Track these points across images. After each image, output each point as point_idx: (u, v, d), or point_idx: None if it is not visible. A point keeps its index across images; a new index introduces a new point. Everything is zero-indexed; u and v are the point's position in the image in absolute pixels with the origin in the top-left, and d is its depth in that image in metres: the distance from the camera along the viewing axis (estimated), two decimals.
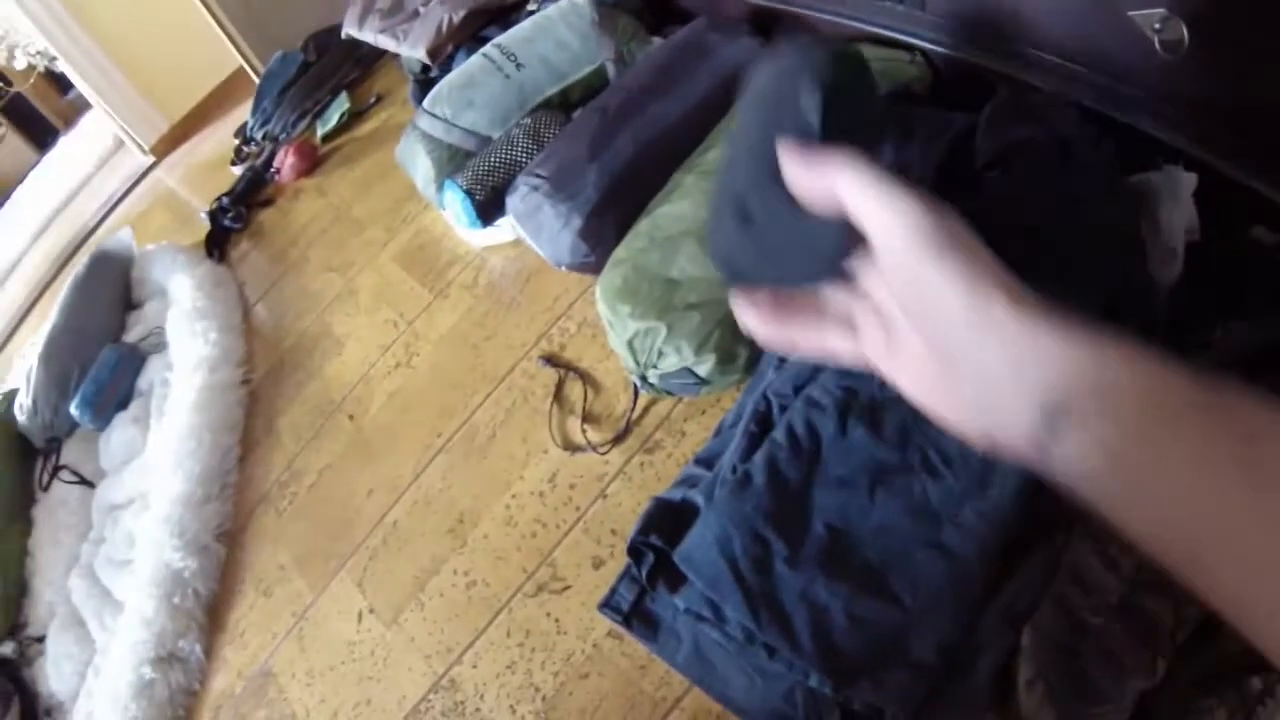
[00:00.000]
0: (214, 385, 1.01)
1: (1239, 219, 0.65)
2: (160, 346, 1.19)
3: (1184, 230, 0.68)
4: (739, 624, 0.51)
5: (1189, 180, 0.68)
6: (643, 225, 0.69)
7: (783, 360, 0.59)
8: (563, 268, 0.74)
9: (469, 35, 1.11)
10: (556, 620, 0.63)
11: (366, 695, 0.69)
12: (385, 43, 1.19)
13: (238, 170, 1.30)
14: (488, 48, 0.98)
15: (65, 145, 2.16)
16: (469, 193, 0.84)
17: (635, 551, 0.57)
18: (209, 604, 0.86)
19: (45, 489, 1.20)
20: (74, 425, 1.19)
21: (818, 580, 0.50)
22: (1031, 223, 0.60)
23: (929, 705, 0.49)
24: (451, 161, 0.93)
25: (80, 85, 1.66)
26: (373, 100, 1.28)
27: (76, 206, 1.77)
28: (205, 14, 1.50)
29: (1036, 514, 0.54)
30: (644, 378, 0.64)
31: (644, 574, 0.56)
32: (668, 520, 0.57)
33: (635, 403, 0.66)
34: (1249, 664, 0.54)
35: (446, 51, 1.11)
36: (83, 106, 2.15)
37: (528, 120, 0.89)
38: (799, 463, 0.53)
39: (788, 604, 0.50)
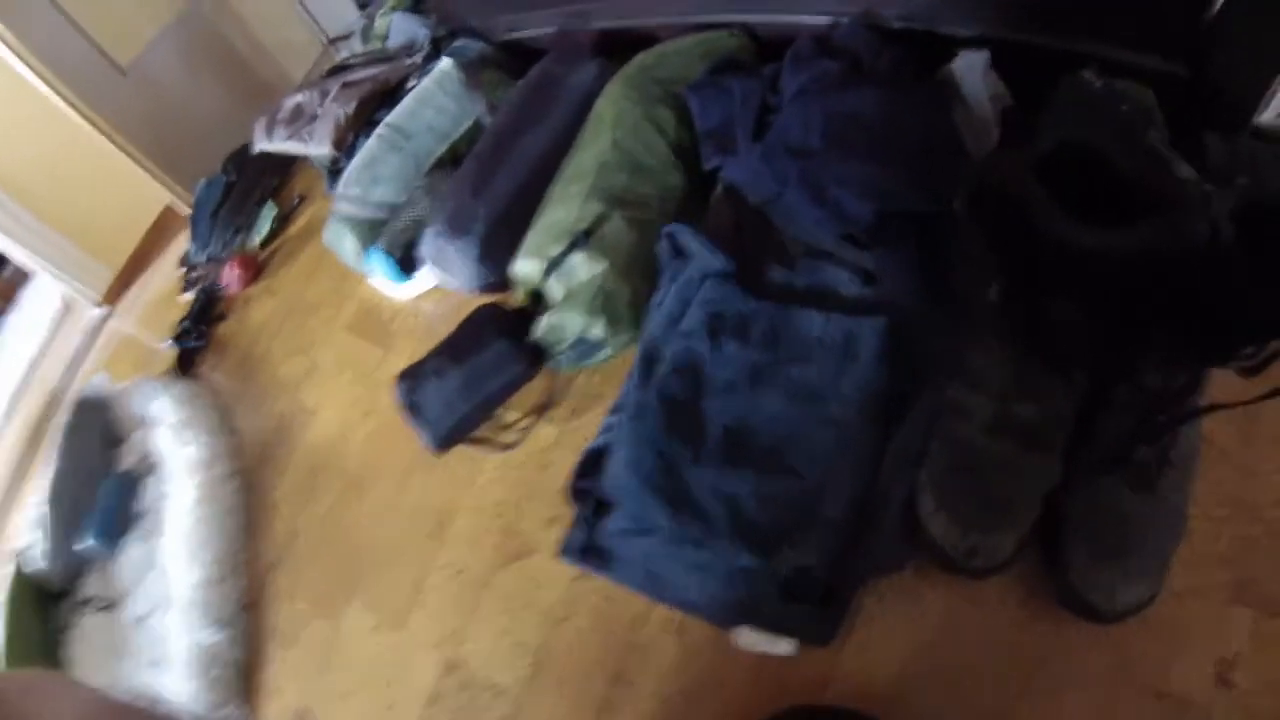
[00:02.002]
0: (210, 481, 1.15)
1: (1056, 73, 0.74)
2: (152, 468, 1.32)
3: (991, 99, 0.82)
4: (665, 527, 0.64)
5: (980, 57, 0.82)
6: (531, 236, 0.84)
7: (657, 306, 0.74)
8: (476, 292, 0.89)
9: (364, 121, 1.28)
10: (532, 579, 0.76)
11: (391, 699, 0.81)
12: (294, 148, 1.36)
13: (188, 297, 1.46)
14: (379, 128, 1.14)
15: (12, 321, 2.26)
16: (388, 254, 0.99)
17: (577, 496, 0.71)
18: (244, 670, 0.97)
19: (74, 626, 1.31)
20: (87, 560, 1.31)
21: (723, 473, 0.63)
22: (834, 129, 0.72)
23: (851, 554, 0.60)
24: (371, 233, 1.09)
25: (21, 257, 1.80)
26: (296, 201, 1.44)
27: (42, 374, 1.90)
28: (126, 160, 1.67)
29: (906, 366, 0.65)
30: (559, 354, 0.79)
31: (589, 513, 0.69)
32: (595, 464, 0.70)
33: (553, 381, 0.80)
34: (1138, 436, 0.62)
35: (348, 141, 1.28)
36: (19, 281, 2.27)
37: (425, 181, 1.05)
38: (684, 383, 0.67)
39: (702, 499, 0.62)
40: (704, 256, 0.71)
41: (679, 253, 0.75)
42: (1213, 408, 0.63)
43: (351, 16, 1.92)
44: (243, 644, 1.02)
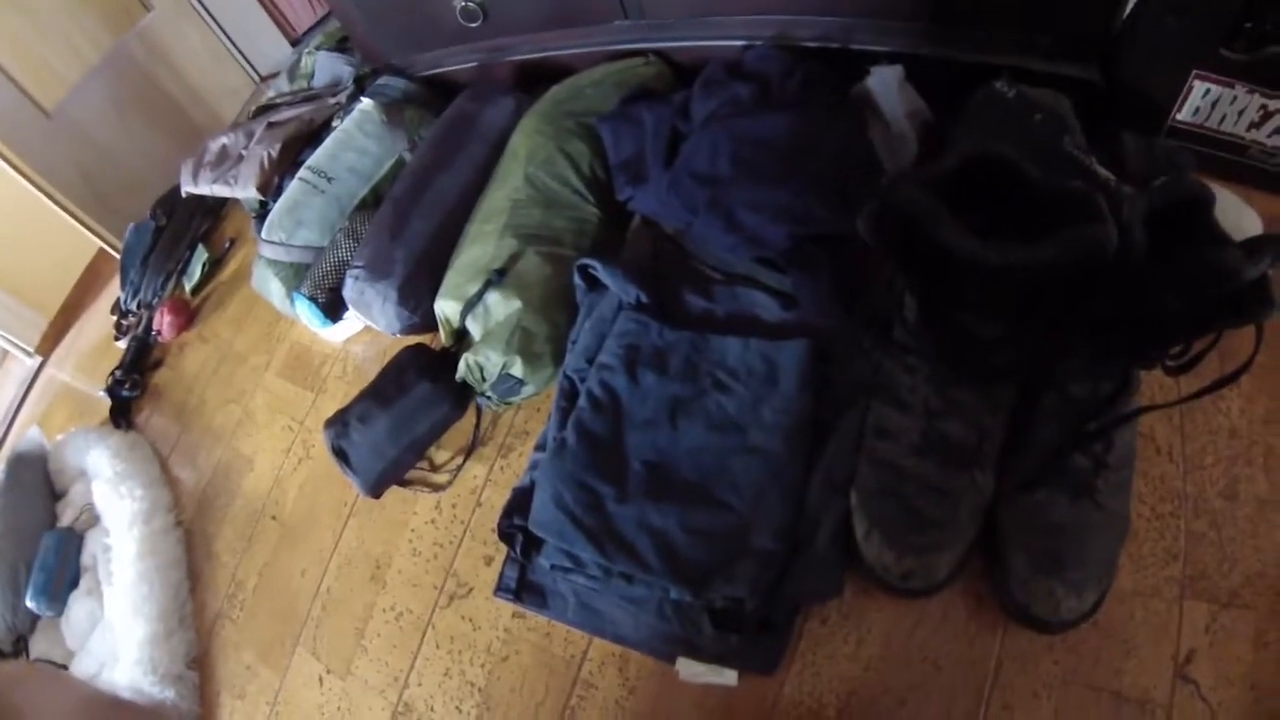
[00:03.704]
0: (151, 534, 1.10)
1: (974, 84, 0.75)
2: (93, 521, 1.26)
3: (908, 115, 0.80)
4: (593, 562, 0.62)
5: (894, 72, 0.81)
6: (449, 276, 0.82)
7: (574, 342, 0.72)
8: (398, 334, 0.86)
9: (290, 162, 1.24)
10: (470, 620, 0.74)
11: None
12: (221, 191, 1.31)
13: (122, 344, 1.39)
14: (301, 171, 1.11)
15: None
16: (312, 299, 0.95)
17: (506, 536, 0.69)
18: None
19: None
20: (35, 618, 1.24)
21: (648, 508, 0.61)
22: (743, 155, 0.70)
23: (782, 584, 0.59)
24: (297, 277, 1.05)
25: None
26: (228, 245, 1.39)
27: None
28: (54, 207, 1.59)
29: (829, 391, 0.64)
30: (483, 393, 0.76)
31: (518, 551, 0.68)
32: (523, 502, 0.69)
33: (479, 420, 0.78)
34: (1069, 445, 0.61)
35: (274, 183, 1.23)
36: None
37: (346, 224, 1.02)
38: (603, 417, 0.65)
39: (628, 534, 0.61)
40: (618, 288, 0.70)
41: (594, 285, 0.73)
42: (1143, 410, 0.62)
43: (283, 54, 1.86)
44: (192, 699, 0.97)
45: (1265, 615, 0.66)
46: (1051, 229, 0.52)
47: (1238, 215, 0.83)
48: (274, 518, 0.98)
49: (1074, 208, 0.56)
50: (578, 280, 0.74)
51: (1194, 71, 0.81)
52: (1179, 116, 0.86)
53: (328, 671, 0.84)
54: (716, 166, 0.69)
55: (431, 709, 0.75)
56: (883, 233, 0.54)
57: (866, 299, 0.66)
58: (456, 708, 0.73)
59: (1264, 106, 0.83)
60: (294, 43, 1.91)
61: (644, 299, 0.69)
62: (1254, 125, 0.84)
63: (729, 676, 0.61)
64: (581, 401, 0.67)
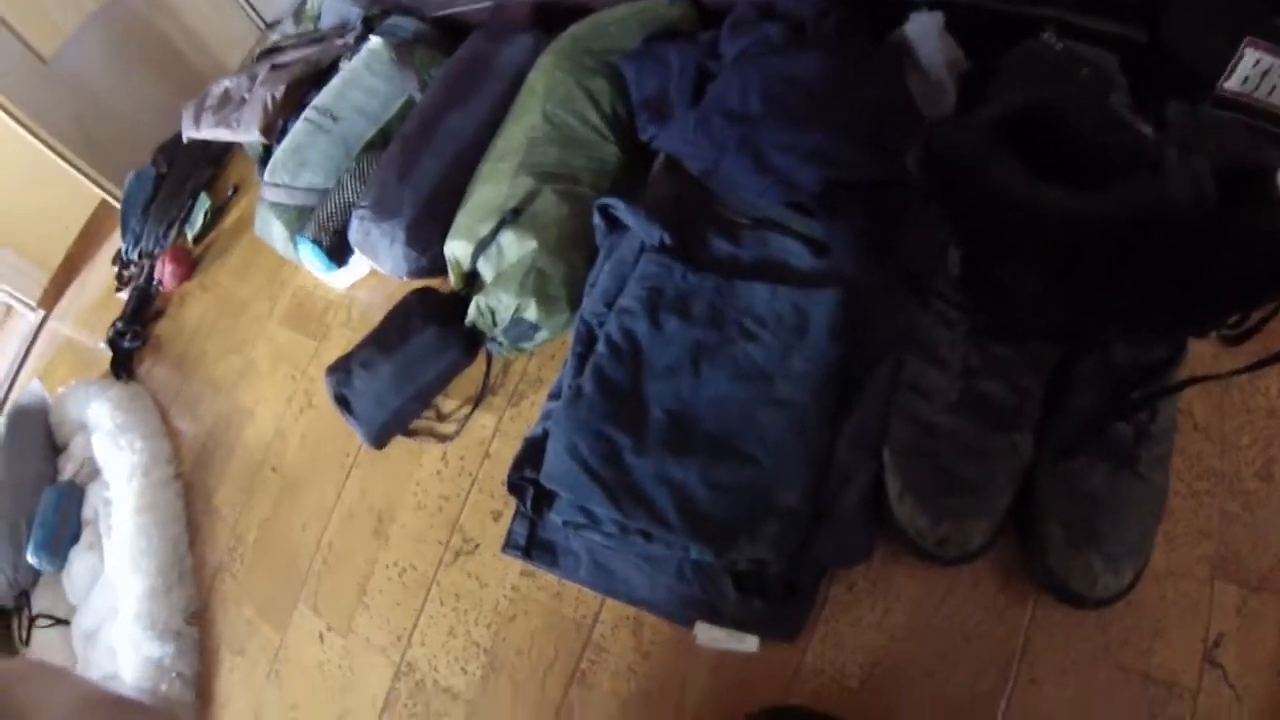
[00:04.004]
0: (150, 486, 1.07)
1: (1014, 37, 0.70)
2: (94, 474, 1.23)
3: (947, 64, 0.75)
4: (609, 518, 0.58)
5: (934, 19, 0.76)
6: (460, 217, 0.77)
7: (592, 285, 0.67)
8: (405, 278, 0.81)
9: (294, 105, 1.19)
10: (477, 578, 0.71)
11: (344, 708, 0.76)
12: (223, 135, 1.26)
13: (124, 295, 1.35)
14: (306, 111, 1.06)
15: None
16: (316, 241, 0.91)
17: (516, 489, 0.65)
18: (194, 683, 0.90)
19: (26, 643, 1.23)
20: (36, 574, 1.22)
21: (668, 460, 0.57)
22: (775, 93, 0.66)
23: (808, 546, 0.54)
24: (300, 220, 1.01)
25: None
26: (230, 192, 1.34)
27: None
28: (54, 158, 1.55)
29: (861, 342, 0.59)
30: (494, 339, 0.72)
31: (529, 506, 0.64)
32: (535, 454, 0.65)
33: (490, 367, 0.74)
34: (1112, 412, 0.58)
35: (279, 126, 1.18)
36: None
37: (353, 165, 0.97)
38: (623, 364, 0.61)
39: (647, 488, 0.57)
40: (640, 229, 0.65)
41: (614, 227, 0.68)
42: (1193, 381, 0.59)
43: (288, 1, 1.79)
44: (191, 655, 0.95)
45: None
46: (1100, 184, 0.48)
47: None
48: (274, 469, 0.95)
49: (1127, 162, 0.51)
50: (598, 220, 0.69)
51: (1246, 38, 0.76)
52: (1227, 85, 0.81)
53: (329, 629, 0.81)
54: (748, 104, 0.64)
55: (435, 669, 0.72)
56: (931, 178, 0.49)
57: (902, 250, 0.61)
58: (461, 669, 0.70)
59: None
60: None
61: (668, 240, 0.64)
62: None
63: (750, 643, 0.57)
64: (600, 347, 0.63)
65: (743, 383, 0.57)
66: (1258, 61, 0.76)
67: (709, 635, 0.57)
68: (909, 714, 0.58)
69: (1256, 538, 0.67)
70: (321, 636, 0.81)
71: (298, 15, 1.45)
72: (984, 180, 0.48)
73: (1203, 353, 0.66)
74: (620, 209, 0.66)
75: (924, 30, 0.75)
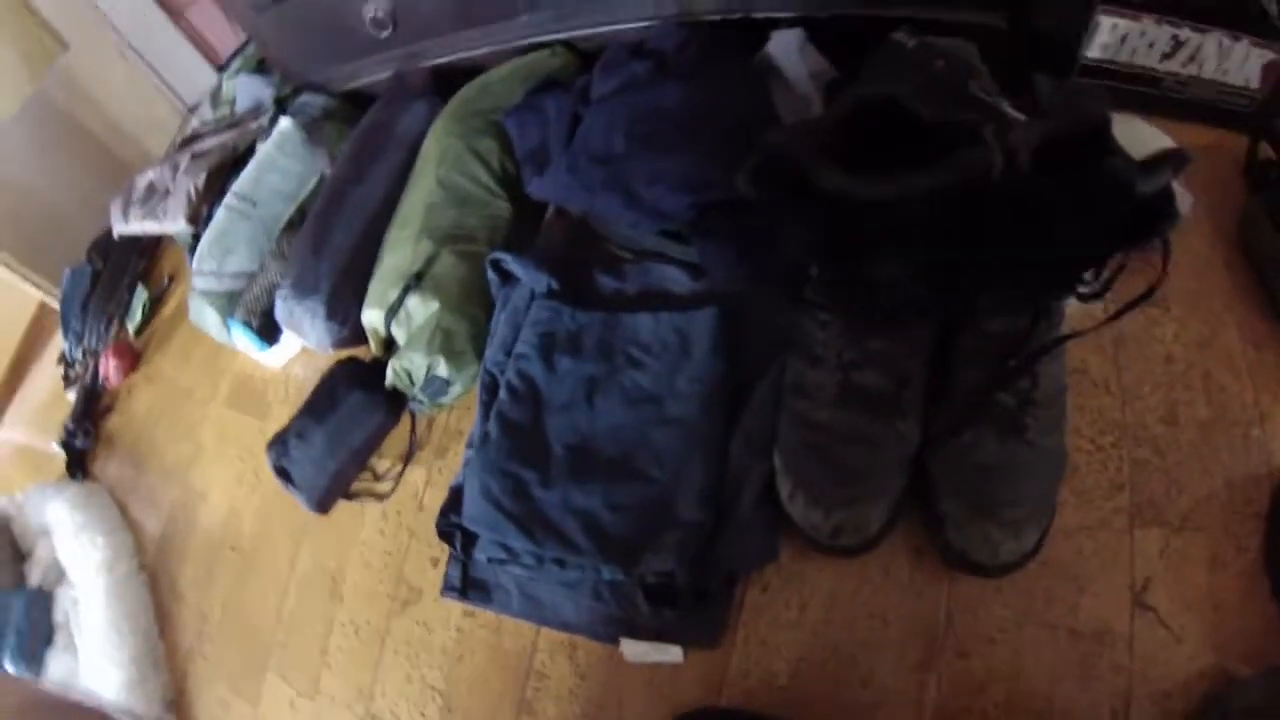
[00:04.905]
0: (116, 581, 1.14)
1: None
2: (61, 576, 1.30)
3: (811, 76, 0.84)
4: (525, 550, 0.66)
5: (795, 35, 0.84)
6: (372, 285, 0.86)
7: (492, 335, 0.76)
8: (331, 350, 0.90)
9: (217, 191, 1.27)
10: (424, 624, 0.79)
11: None
12: (152, 228, 1.35)
13: (72, 394, 1.42)
14: (226, 198, 1.14)
15: None
16: (246, 323, 0.99)
17: (445, 535, 0.73)
18: None
19: None
20: None
21: (572, 489, 0.65)
22: (638, 129, 0.74)
23: (712, 553, 0.61)
24: (231, 304, 1.08)
25: None
26: (166, 282, 1.43)
27: None
28: None
29: (745, 354, 0.66)
30: (414, 398, 0.80)
31: (459, 549, 0.72)
32: (458, 500, 0.73)
33: (415, 425, 0.82)
34: (990, 384, 0.62)
35: (203, 214, 1.27)
36: None
37: (274, 246, 1.06)
38: (523, 406, 0.69)
39: (556, 518, 0.64)
40: (528, 278, 0.74)
41: (507, 279, 0.77)
42: (1060, 340, 0.63)
43: (210, 82, 1.89)
44: None
45: (1219, 536, 0.67)
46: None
47: (1155, 145, 0.86)
48: (233, 548, 1.02)
49: (963, 138, 0.57)
50: (491, 275, 0.78)
51: (1098, 7, 0.85)
52: (1089, 54, 0.89)
53: (298, 694, 0.88)
54: (611, 144, 0.73)
55: (398, 717, 0.79)
56: (768, 186, 0.56)
57: (775, 258, 0.69)
58: (420, 713, 0.77)
59: (1174, 37, 0.86)
60: (220, 69, 1.94)
61: (555, 285, 0.73)
62: (1166, 56, 0.87)
63: (674, 653, 0.64)
64: (501, 393, 0.71)
65: (634, 408, 0.65)
66: (1115, 26, 0.85)
67: (635, 650, 0.65)
68: (840, 704, 0.62)
69: (1170, 481, 0.72)
70: (292, 703, 0.88)
71: (214, 99, 1.55)
72: (809, 180, 0.55)
73: (1094, 313, 0.72)
74: (509, 261, 0.75)
75: (785, 47, 0.84)
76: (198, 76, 1.92)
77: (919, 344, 0.62)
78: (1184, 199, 0.82)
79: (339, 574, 0.88)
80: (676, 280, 0.71)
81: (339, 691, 0.84)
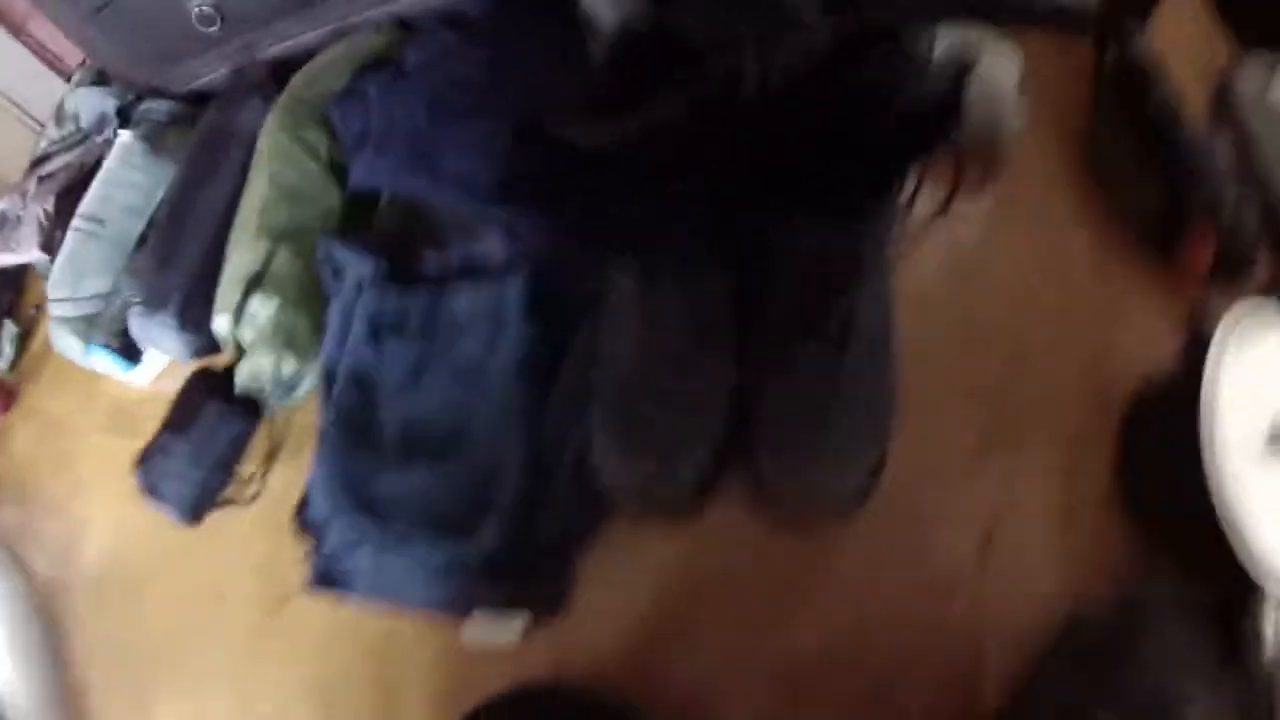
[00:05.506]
0: (15, 631, 1.15)
1: None
2: None
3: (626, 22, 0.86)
4: (369, 535, 0.69)
5: None
6: (218, 291, 0.88)
7: (326, 327, 0.79)
8: (187, 361, 0.91)
9: (69, 214, 1.25)
10: (299, 620, 0.84)
11: None
12: (7, 260, 1.33)
13: None
14: (74, 221, 1.13)
15: None
16: (106, 346, 1.00)
17: (303, 529, 0.76)
18: None
19: None
20: None
21: (404, 470, 0.69)
22: (438, 101, 0.76)
23: (537, 522, 0.65)
24: (91, 329, 1.08)
25: None
26: (33, 312, 1.41)
27: None
28: None
29: (560, 317, 0.70)
30: (269, 399, 0.83)
31: (315, 540, 0.75)
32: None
33: (274, 426, 0.85)
34: (803, 322, 0.63)
35: (57, 239, 1.25)
36: None
37: (128, 263, 1.05)
38: (358, 394, 0.73)
39: (391, 501, 0.68)
40: (355, 265, 0.76)
41: (339, 269, 0.80)
42: (860, 274, 0.65)
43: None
44: None
45: (1064, 462, 0.70)
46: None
47: (994, 55, 0.91)
48: (120, 574, 1.04)
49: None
50: (322, 266, 0.80)
51: None
52: None
53: (191, 710, 0.91)
54: (414, 117, 0.75)
55: (284, 716, 0.82)
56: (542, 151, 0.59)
57: (577, 218, 0.72)
58: (304, 710, 0.81)
59: None
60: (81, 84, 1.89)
61: (381, 269, 0.76)
62: None
63: (515, 625, 0.67)
64: (337, 383, 0.74)
65: (459, 383, 0.69)
66: None
67: (478, 628, 0.68)
68: (682, 669, 0.66)
69: (1018, 404, 0.76)
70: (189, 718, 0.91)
71: (58, 117, 1.52)
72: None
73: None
74: (336, 249, 0.77)
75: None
76: (50, 93, 1.88)
77: (717, 292, 0.65)
78: (1019, 108, 0.85)
79: (219, 584, 0.91)
80: (498, 247, 0.74)
81: (229, 699, 0.87)
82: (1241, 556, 0.56)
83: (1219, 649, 0.59)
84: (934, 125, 0.62)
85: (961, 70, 0.66)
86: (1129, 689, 0.55)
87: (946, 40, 0.84)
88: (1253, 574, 0.56)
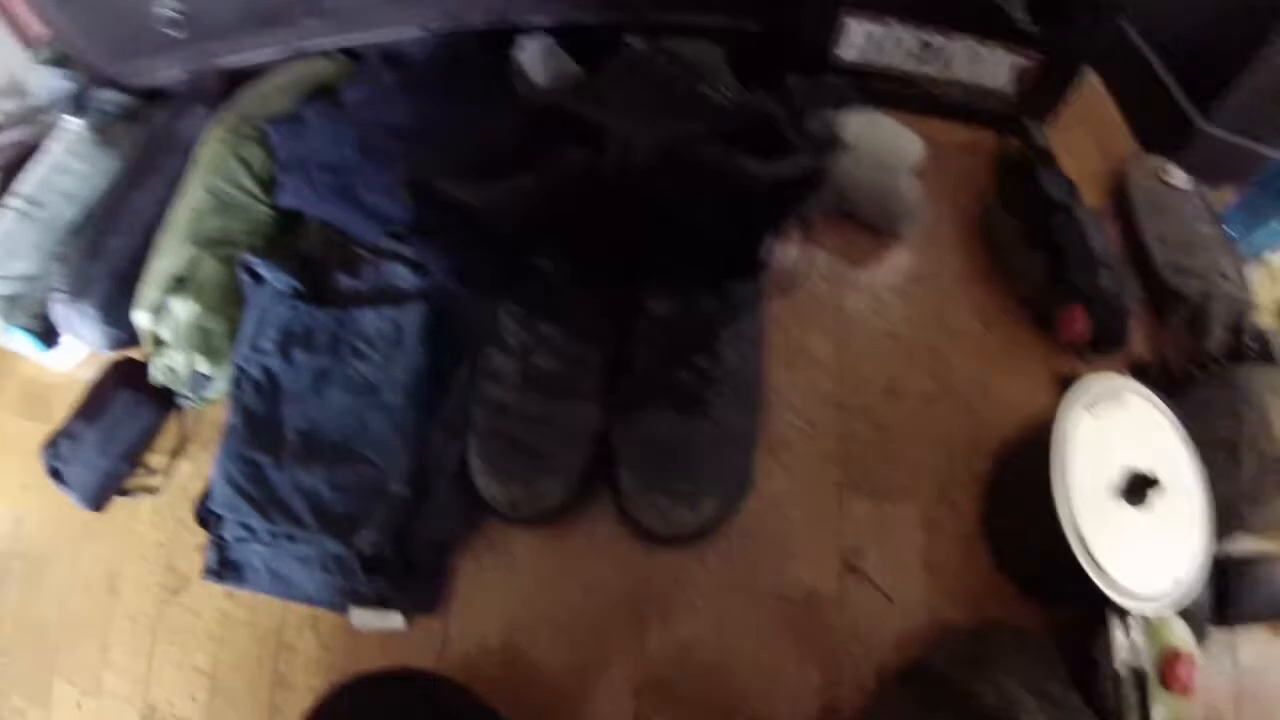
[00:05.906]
0: None
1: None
2: None
3: (556, 80, 0.95)
4: (262, 529, 0.76)
5: (541, 43, 0.96)
6: (141, 288, 0.93)
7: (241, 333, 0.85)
8: (107, 352, 0.96)
9: (3, 190, 1.28)
10: (192, 610, 0.89)
11: None
12: None
13: None
14: (8, 199, 1.17)
15: None
16: (26, 328, 1.04)
17: (202, 520, 0.81)
18: None
19: None
20: None
21: (300, 471, 0.76)
22: (368, 140, 0.84)
23: (411, 527, 0.73)
24: (14, 309, 1.12)
25: None
26: None
27: None
28: None
29: (453, 344, 0.78)
30: (181, 394, 0.88)
31: (213, 532, 0.80)
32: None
33: (184, 420, 0.90)
34: (663, 364, 0.71)
35: None
36: None
37: (60, 249, 1.10)
38: (262, 397, 0.79)
39: (285, 497, 0.75)
40: (272, 279, 0.83)
41: (257, 280, 0.86)
42: (720, 322, 0.74)
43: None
44: None
45: (935, 503, 0.79)
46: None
47: (895, 139, 1.02)
48: (19, 556, 1.07)
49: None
50: (243, 276, 0.87)
51: (843, 11, 0.98)
52: (845, 56, 1.03)
53: (83, 694, 0.95)
54: (342, 153, 0.83)
55: (172, 704, 0.87)
56: (428, 201, 0.67)
57: (466, 257, 0.80)
58: (191, 697, 0.86)
59: (924, 41, 1.00)
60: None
61: (297, 285, 0.82)
62: (918, 59, 1.02)
63: (395, 619, 0.75)
64: (244, 385, 0.80)
65: (356, 396, 0.77)
66: (863, 30, 0.98)
67: (361, 618, 0.75)
68: (552, 669, 0.73)
69: (886, 451, 0.84)
70: (79, 704, 0.95)
71: (13, 91, 1.55)
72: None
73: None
74: (257, 264, 0.84)
75: (530, 54, 0.96)
76: (8, 58, 1.89)
77: (592, 329, 0.75)
78: (917, 196, 0.96)
79: (116, 570, 0.95)
80: (404, 278, 0.83)
81: (120, 687, 0.91)
82: (1093, 577, 0.62)
83: (1068, 669, 0.67)
84: (791, 197, 0.71)
85: (826, 145, 0.76)
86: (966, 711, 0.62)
87: (855, 124, 0.94)
88: (1102, 592, 0.62)
